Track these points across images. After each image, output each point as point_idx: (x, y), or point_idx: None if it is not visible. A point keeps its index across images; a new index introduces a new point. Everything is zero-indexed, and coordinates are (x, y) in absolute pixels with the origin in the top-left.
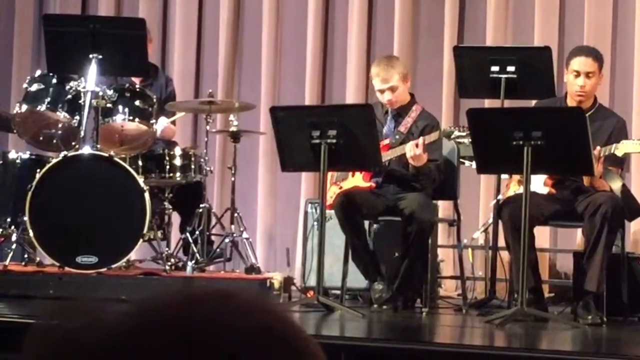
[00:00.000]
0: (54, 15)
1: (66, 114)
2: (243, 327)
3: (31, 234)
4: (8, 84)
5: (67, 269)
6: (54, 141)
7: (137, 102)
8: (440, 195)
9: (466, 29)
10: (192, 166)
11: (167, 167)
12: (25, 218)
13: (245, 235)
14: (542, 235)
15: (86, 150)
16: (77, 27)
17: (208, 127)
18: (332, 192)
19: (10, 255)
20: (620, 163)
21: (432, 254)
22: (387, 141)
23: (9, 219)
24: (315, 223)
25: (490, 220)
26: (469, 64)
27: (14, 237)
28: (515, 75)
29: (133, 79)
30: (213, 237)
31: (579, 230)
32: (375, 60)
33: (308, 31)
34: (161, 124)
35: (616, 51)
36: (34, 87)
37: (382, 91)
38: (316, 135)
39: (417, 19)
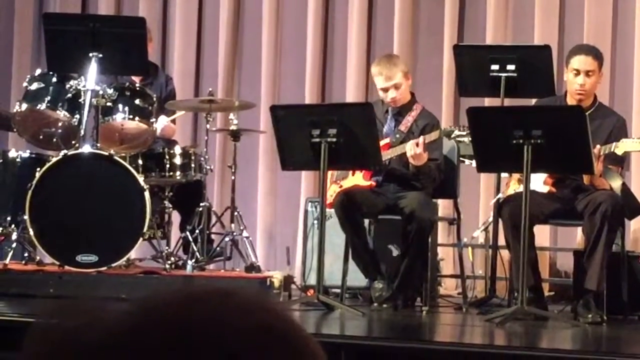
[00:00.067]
0: (54, 14)
1: (66, 113)
2: (243, 326)
3: (31, 232)
4: (8, 82)
5: (67, 267)
6: (54, 140)
7: (137, 101)
8: (440, 193)
9: (466, 27)
10: (192, 165)
11: (167, 165)
12: (25, 217)
13: (245, 234)
14: (542, 233)
15: (86, 149)
16: (77, 25)
17: (208, 126)
18: (332, 191)
19: (10, 254)
20: (620, 162)
21: (432, 253)
22: (387, 140)
23: (9, 218)
24: (316, 222)
25: (490, 219)
26: (469, 63)
27: (14, 236)
28: (515, 74)
29: (133, 77)
30: (213, 236)
31: (579, 229)
32: (376, 60)
33: (308, 30)
34: (161, 123)
35: (616, 50)
36: (34, 85)
37: (386, 89)
38: (316, 134)
39: (417, 18)
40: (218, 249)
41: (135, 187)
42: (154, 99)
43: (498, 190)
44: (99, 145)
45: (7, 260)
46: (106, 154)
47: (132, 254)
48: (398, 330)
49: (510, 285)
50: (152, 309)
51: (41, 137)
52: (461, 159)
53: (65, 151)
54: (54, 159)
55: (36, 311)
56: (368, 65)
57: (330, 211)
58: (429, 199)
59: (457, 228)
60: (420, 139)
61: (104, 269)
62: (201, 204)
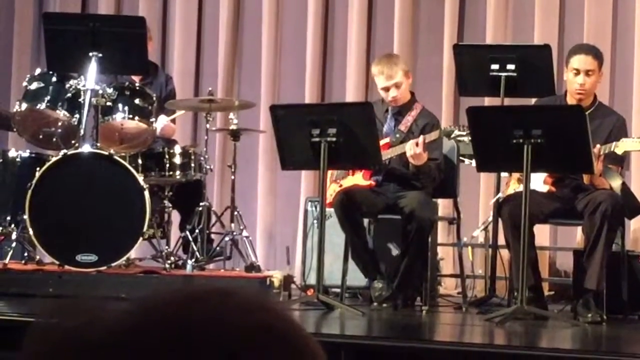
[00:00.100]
0: (54, 13)
1: (66, 113)
2: (243, 326)
3: (31, 232)
4: (8, 82)
5: (66, 267)
6: (54, 139)
7: (136, 101)
8: (440, 193)
9: (466, 27)
10: (192, 164)
11: (167, 165)
12: (25, 216)
13: (245, 233)
14: (542, 233)
15: (86, 148)
16: (77, 25)
17: (208, 126)
18: (332, 190)
19: (10, 253)
20: (620, 161)
21: (432, 252)
22: (387, 140)
23: (8, 217)
24: (315, 221)
25: (490, 219)
26: (469, 62)
27: (13, 236)
28: (515, 74)
29: (133, 77)
30: (213, 236)
31: (579, 229)
32: (376, 59)
33: (308, 29)
34: (161, 122)
35: (616, 49)
36: (34, 85)
37: (386, 89)
38: (316, 133)
39: (417, 16)
40: (218, 248)
41: (135, 187)
42: (154, 98)
43: (498, 190)
44: (98, 144)
45: (7, 260)
46: (106, 153)
47: (132, 254)
48: (398, 330)
49: (510, 284)
50: (152, 308)
51: (41, 136)
52: (461, 158)
53: (65, 151)
54: (54, 159)
55: (36, 311)
56: (368, 64)
57: (330, 210)
58: (429, 198)
59: (457, 227)
60: (420, 139)
61: (103, 268)
62: (201, 204)
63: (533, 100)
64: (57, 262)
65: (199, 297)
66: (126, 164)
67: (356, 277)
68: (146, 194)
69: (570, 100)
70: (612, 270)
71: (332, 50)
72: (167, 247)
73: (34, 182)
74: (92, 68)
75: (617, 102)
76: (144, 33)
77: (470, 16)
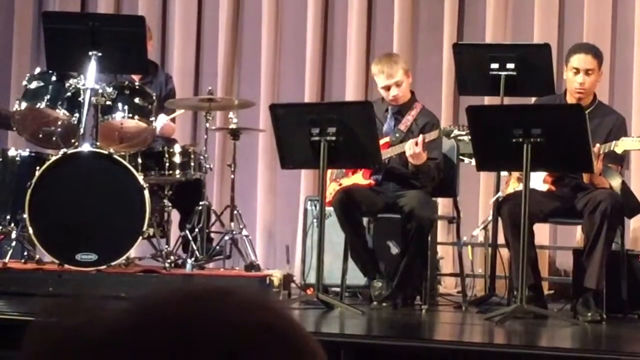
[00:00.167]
0: (54, 12)
1: (66, 112)
2: (242, 325)
3: (31, 231)
4: (7, 81)
5: (66, 266)
6: (54, 138)
7: (136, 100)
8: (440, 192)
9: (466, 26)
10: (192, 164)
11: (167, 164)
12: (25, 215)
13: (244, 232)
14: (542, 232)
15: (86, 147)
16: (76, 24)
17: (207, 125)
18: (331, 189)
19: (10, 252)
20: (620, 160)
21: (431, 251)
22: (387, 139)
23: (8, 217)
24: (315, 220)
25: (490, 218)
26: (468, 61)
27: (13, 235)
28: (514, 73)
29: (133, 76)
30: (212, 235)
31: (579, 228)
32: (375, 59)
33: (308, 28)
34: (161, 122)
35: (615, 48)
36: (34, 84)
37: (387, 87)
38: (316, 132)
39: (417, 16)
40: (217, 247)
41: (135, 186)
42: (154, 97)
43: (497, 189)
44: (98, 144)
45: (7, 259)
46: (106, 152)
47: (132, 253)
48: (397, 329)
49: (510, 283)
50: (152, 307)
51: (41, 135)
52: (461, 157)
53: (64, 150)
54: (54, 158)
55: (36, 310)
56: (368, 63)
57: (330, 210)
58: (429, 197)
59: (456, 227)
60: (420, 138)
61: (103, 267)
62: (201, 203)
63: (533, 100)
64: (56, 261)
65: (198, 296)
66: (126, 163)
67: (356, 276)
68: (146, 193)
69: (570, 100)
70: (612, 270)
71: (332, 49)
72: (166, 246)
73: (33, 181)
74: (92, 67)
75: (617, 101)
76: (144, 32)
77: (470, 15)
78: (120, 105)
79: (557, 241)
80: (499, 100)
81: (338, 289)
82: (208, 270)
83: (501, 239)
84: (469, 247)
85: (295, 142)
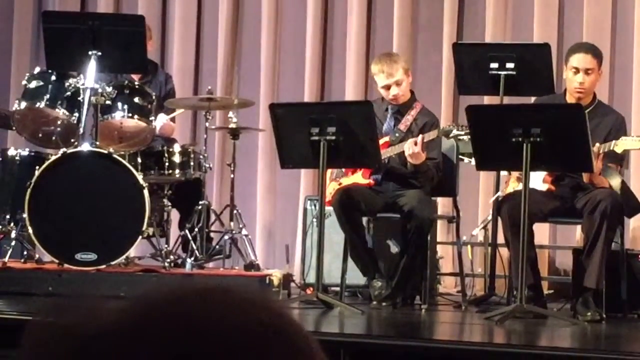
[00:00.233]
0: (53, 12)
1: (65, 111)
2: (242, 324)
3: (30, 231)
4: (7, 81)
5: (66, 266)
6: (53, 138)
7: (136, 99)
8: (440, 192)
9: (465, 25)
10: (191, 163)
11: (166, 164)
12: (25, 215)
13: (244, 232)
14: (542, 232)
15: (85, 147)
16: (76, 24)
17: (207, 124)
18: (331, 189)
19: (10, 252)
20: (620, 160)
21: (431, 251)
22: (386, 139)
23: (8, 216)
24: (315, 220)
25: (490, 217)
26: (468, 61)
27: (13, 234)
28: (514, 72)
29: (132, 75)
30: (212, 234)
31: (578, 227)
32: (375, 58)
33: (307, 27)
34: (160, 121)
35: (615, 48)
36: (33, 84)
37: (387, 87)
38: (315, 132)
39: (417, 15)
40: (217, 247)
41: (135, 185)
42: (153, 97)
43: (497, 189)
44: (98, 143)
45: (6, 259)
46: (105, 152)
47: (131, 252)
48: (397, 329)
49: (510, 283)
50: (151, 306)
51: (40, 135)
52: (460, 157)
53: (64, 149)
54: (53, 157)
55: (35, 309)
56: (367, 63)
57: (330, 209)
58: (428, 197)
59: (456, 226)
60: (419, 138)
61: (103, 267)
62: (200, 202)
63: (532, 99)
64: (56, 261)
65: (197, 295)
66: (125, 162)
67: (355, 276)
68: (145, 192)
69: (570, 99)
70: (612, 269)
71: (332, 48)
72: (166, 245)
73: (33, 180)
74: (92, 67)
75: (617, 100)
76: (143, 32)
77: (470, 15)
78: (119, 104)
79: (556, 241)
80: (498, 100)
81: (338, 289)
82: (208, 269)
83: (501, 239)
84: (469, 246)
85: (295, 142)
